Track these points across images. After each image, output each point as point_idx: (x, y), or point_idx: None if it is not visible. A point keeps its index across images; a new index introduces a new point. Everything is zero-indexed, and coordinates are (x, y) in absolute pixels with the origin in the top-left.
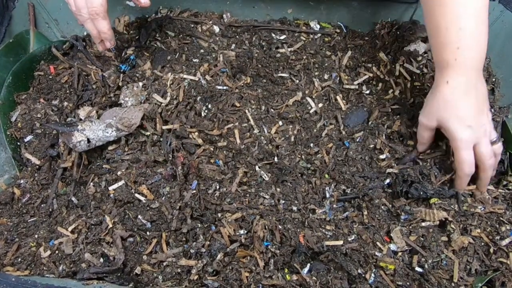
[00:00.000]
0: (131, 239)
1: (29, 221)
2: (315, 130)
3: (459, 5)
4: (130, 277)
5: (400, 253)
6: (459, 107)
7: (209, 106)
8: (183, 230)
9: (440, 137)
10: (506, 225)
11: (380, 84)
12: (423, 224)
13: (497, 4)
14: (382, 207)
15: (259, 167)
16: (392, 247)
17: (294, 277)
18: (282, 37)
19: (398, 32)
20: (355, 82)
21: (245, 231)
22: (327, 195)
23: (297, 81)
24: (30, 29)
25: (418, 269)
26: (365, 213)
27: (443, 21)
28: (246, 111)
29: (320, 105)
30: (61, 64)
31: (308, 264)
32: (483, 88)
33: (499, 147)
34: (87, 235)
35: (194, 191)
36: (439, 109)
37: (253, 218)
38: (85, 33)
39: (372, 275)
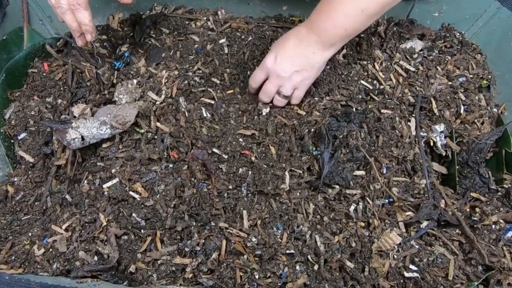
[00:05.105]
0: (125, 237)
1: (22, 219)
2: None
3: None
4: (124, 275)
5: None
6: (287, 43)
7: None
8: (177, 228)
9: None
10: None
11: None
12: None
13: (493, 1)
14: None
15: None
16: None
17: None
18: (278, 35)
19: (394, 29)
20: None
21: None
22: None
23: None
24: (24, 26)
25: (412, 267)
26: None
27: None
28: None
29: None
30: (55, 61)
31: None
32: (318, 62)
33: (280, 101)
34: (81, 233)
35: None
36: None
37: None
38: None
39: (367, 273)
